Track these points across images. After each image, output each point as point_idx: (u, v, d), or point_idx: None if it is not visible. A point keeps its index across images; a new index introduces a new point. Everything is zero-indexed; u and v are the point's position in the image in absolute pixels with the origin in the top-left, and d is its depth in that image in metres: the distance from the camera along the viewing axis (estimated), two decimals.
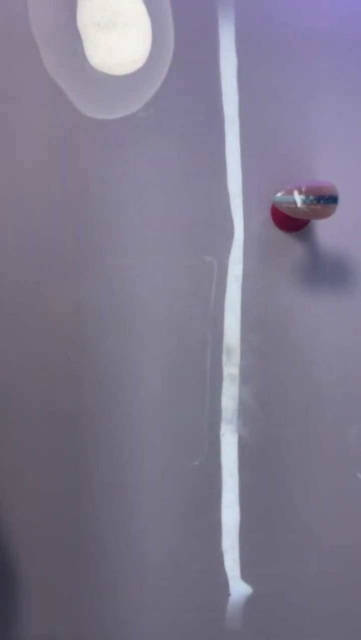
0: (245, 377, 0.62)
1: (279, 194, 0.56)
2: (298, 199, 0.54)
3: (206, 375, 0.61)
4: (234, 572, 0.62)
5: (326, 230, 0.62)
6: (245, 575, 0.62)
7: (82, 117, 0.61)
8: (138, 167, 0.62)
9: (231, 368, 0.62)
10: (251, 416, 0.62)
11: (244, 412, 0.62)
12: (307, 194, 0.54)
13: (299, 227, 0.62)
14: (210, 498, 0.61)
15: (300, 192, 0.54)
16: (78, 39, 0.61)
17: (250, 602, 0.62)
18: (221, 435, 0.61)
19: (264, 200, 0.61)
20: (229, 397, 0.62)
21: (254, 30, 0.63)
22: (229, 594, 0.62)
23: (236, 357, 0.62)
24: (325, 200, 0.54)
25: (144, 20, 0.62)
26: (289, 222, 0.61)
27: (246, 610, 0.62)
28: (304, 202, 0.54)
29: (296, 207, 0.54)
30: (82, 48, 0.61)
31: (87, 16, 0.61)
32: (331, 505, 0.62)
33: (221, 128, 0.62)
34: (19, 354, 0.61)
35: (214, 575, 0.62)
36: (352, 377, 0.62)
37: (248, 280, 0.62)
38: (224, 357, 0.61)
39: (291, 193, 0.54)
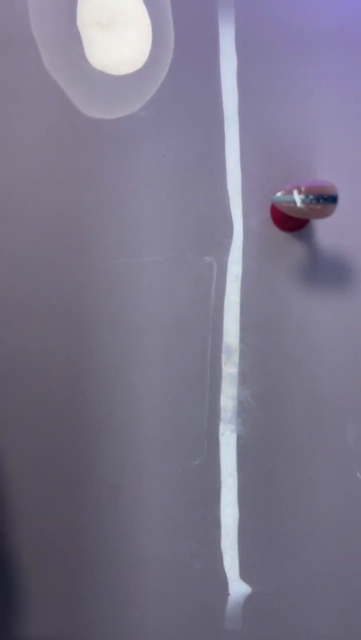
0: (244, 377, 0.62)
1: (278, 194, 0.55)
2: (298, 198, 0.54)
3: (206, 375, 0.61)
4: (234, 571, 0.62)
5: (326, 230, 0.62)
6: (244, 575, 0.62)
7: (82, 117, 0.62)
8: (138, 166, 0.62)
9: (230, 368, 0.62)
10: (250, 416, 0.62)
11: (244, 411, 0.62)
12: (307, 193, 0.54)
13: (299, 226, 0.62)
14: (209, 498, 0.61)
15: (300, 192, 0.54)
16: (78, 39, 0.61)
17: (250, 602, 0.62)
18: (220, 435, 0.62)
19: (263, 200, 0.61)
20: (229, 396, 0.62)
21: (255, 30, 0.63)
22: (228, 594, 0.62)
23: (236, 357, 0.62)
24: (325, 199, 0.54)
25: (144, 20, 0.62)
26: (289, 222, 0.61)
27: (245, 610, 0.62)
28: (303, 201, 0.54)
29: (296, 207, 0.54)
30: (82, 48, 0.61)
31: (87, 16, 0.61)
32: (331, 505, 0.62)
33: (221, 128, 0.62)
34: (18, 354, 0.61)
35: (213, 575, 0.62)
36: (352, 377, 0.62)
37: (248, 280, 0.62)
38: (224, 357, 0.61)
39: (291, 193, 0.54)
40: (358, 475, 0.62)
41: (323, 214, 0.55)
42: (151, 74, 0.62)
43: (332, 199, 0.54)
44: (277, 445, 0.62)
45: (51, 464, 0.61)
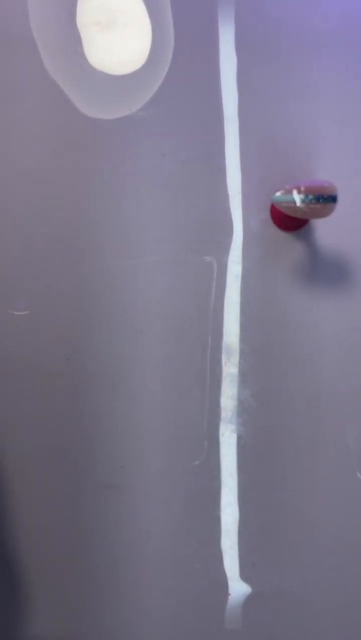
0: (245, 377, 0.62)
1: (278, 194, 0.56)
2: (298, 198, 0.54)
3: (206, 375, 0.61)
4: (234, 571, 0.62)
5: (325, 229, 0.62)
6: (245, 575, 0.62)
7: (82, 117, 0.62)
8: (138, 166, 0.62)
9: (230, 368, 0.62)
10: (250, 416, 0.62)
11: (244, 412, 0.62)
12: (306, 193, 0.54)
13: (299, 226, 0.62)
14: (209, 498, 0.61)
15: (299, 192, 0.54)
16: (78, 39, 0.61)
17: (250, 602, 0.62)
18: (220, 435, 0.61)
19: (263, 200, 0.61)
20: (229, 397, 0.62)
21: (255, 30, 0.62)
22: (228, 594, 0.62)
23: (236, 357, 0.62)
24: (324, 199, 0.54)
25: (144, 20, 0.62)
26: (289, 222, 0.61)
27: (245, 610, 0.62)
28: (303, 201, 0.54)
29: (296, 207, 0.54)
30: (82, 48, 0.62)
31: (87, 16, 0.61)
32: (331, 504, 0.62)
33: (221, 128, 0.62)
34: (18, 353, 0.61)
35: (214, 575, 0.62)
36: (352, 376, 0.62)
37: (248, 280, 0.62)
38: (224, 357, 0.62)
39: (291, 192, 0.54)
40: (358, 475, 0.62)
41: (323, 214, 0.55)
42: (151, 74, 0.62)
43: (332, 199, 0.54)
44: (277, 445, 0.62)
45: (51, 463, 0.61)
